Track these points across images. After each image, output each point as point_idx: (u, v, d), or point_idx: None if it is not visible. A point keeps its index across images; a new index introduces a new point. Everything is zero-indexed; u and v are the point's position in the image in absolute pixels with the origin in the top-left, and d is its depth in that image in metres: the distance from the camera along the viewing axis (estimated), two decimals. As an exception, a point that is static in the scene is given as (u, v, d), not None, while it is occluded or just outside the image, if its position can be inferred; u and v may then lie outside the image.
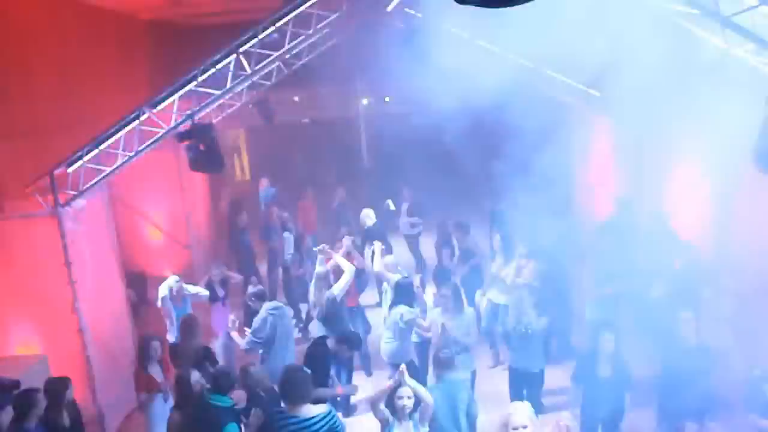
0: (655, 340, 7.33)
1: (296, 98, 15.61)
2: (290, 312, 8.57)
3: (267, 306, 7.92)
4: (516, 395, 7.33)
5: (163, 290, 8.63)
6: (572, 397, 6.75)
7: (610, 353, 6.41)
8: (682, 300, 7.34)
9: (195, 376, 6.42)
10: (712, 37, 6.84)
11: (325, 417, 5.58)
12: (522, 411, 5.08)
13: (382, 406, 5.61)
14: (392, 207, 12.00)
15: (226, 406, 5.88)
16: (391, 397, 5.62)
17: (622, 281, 8.53)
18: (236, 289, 10.61)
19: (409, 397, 5.56)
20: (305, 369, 5.87)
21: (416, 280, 9.55)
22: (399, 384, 5.61)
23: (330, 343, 7.19)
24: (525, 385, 7.48)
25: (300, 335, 10.62)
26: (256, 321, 7.86)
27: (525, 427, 4.95)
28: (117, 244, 9.62)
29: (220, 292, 9.39)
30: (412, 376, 5.87)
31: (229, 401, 5.93)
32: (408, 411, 5.56)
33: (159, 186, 12.46)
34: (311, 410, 5.60)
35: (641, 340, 7.70)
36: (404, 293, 7.94)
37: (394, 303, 8.01)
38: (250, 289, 8.53)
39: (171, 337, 8.50)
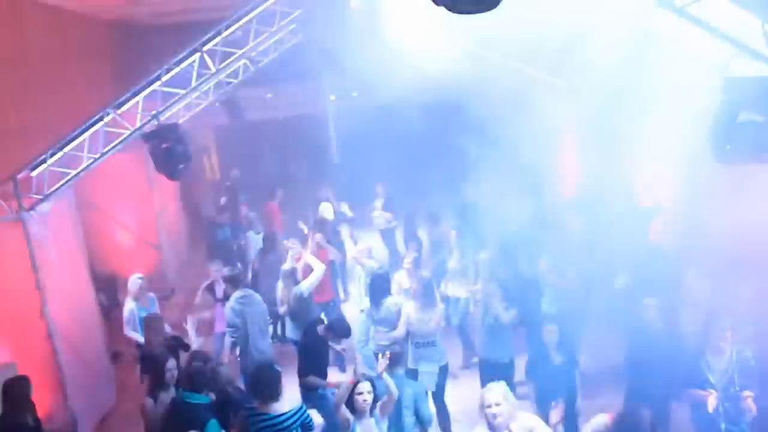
0: (622, 327, 7.46)
1: (269, 95, 15.53)
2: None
3: (235, 295, 7.97)
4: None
5: (128, 306, 8.55)
6: (528, 386, 6.91)
7: (555, 343, 6.75)
8: (648, 285, 7.49)
9: (171, 363, 6.44)
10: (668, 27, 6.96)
11: (296, 413, 5.62)
12: (495, 389, 5.10)
13: (343, 406, 5.63)
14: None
15: (204, 402, 5.88)
16: (351, 394, 5.63)
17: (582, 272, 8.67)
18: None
19: (369, 392, 5.60)
20: (276, 367, 5.88)
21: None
22: (359, 380, 5.66)
23: (320, 330, 7.21)
24: (495, 376, 7.53)
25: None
26: (227, 312, 7.91)
27: (498, 404, 4.97)
28: (85, 247, 9.56)
29: (220, 293, 9.27)
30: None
31: (205, 398, 5.93)
32: (368, 407, 5.61)
33: (127, 187, 12.36)
34: (282, 407, 5.62)
35: (609, 328, 7.84)
36: (380, 285, 7.97)
37: (374, 295, 8.00)
38: (225, 271, 8.50)
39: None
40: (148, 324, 7.64)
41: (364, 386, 5.58)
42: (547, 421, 6.38)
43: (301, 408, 5.69)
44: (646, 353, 6.58)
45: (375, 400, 5.66)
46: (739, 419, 5.92)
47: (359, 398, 5.55)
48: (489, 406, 5.00)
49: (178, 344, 7.43)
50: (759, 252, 6.91)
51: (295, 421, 5.60)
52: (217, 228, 13.14)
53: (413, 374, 7.39)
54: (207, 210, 16.16)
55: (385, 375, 5.80)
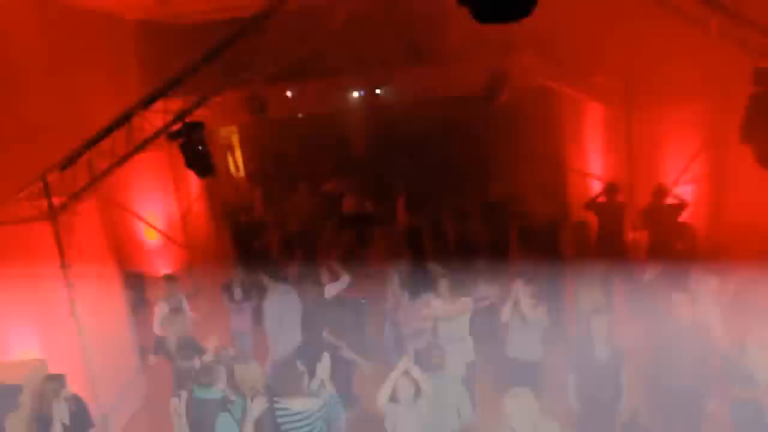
0: (650, 321, 7.37)
1: (289, 93, 15.54)
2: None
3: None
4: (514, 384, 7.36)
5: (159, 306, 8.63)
6: (569, 383, 6.73)
7: (604, 336, 6.41)
8: (676, 281, 7.39)
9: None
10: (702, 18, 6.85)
11: (318, 411, 5.65)
12: (521, 398, 5.07)
13: (385, 397, 5.69)
14: None
15: (215, 398, 5.95)
16: (394, 387, 5.71)
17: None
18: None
19: (412, 384, 5.68)
20: (299, 364, 5.88)
21: None
22: (403, 372, 5.69)
23: None
24: (523, 374, 7.49)
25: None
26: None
27: (522, 414, 4.97)
28: (113, 245, 9.63)
29: (238, 295, 9.35)
30: None
31: (216, 393, 6.00)
32: (410, 398, 5.68)
33: (152, 186, 12.46)
34: (305, 403, 5.64)
35: (636, 322, 7.75)
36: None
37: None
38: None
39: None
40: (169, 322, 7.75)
41: (404, 380, 5.68)
42: (585, 421, 6.32)
43: (323, 406, 5.68)
44: (674, 349, 6.45)
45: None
46: None
47: (402, 391, 5.64)
48: (512, 416, 4.99)
49: (189, 346, 7.45)
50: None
51: (317, 418, 5.63)
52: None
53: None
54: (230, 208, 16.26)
55: (415, 372, 5.78)
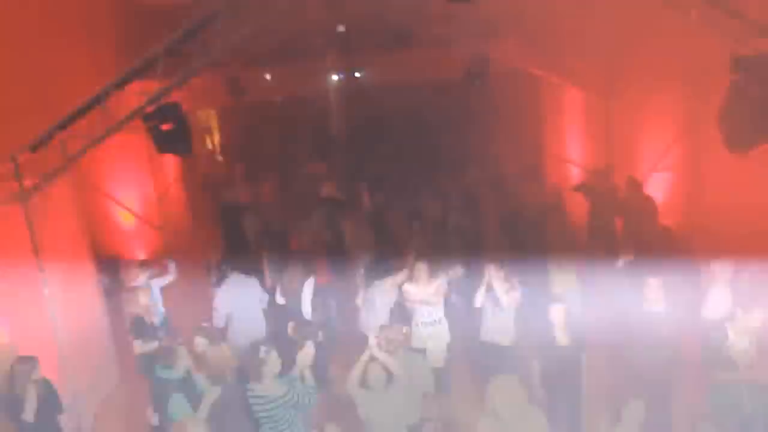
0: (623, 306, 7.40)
1: (267, 76, 15.41)
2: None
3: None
4: (488, 369, 7.37)
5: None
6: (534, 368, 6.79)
7: (563, 324, 6.50)
8: (653, 267, 7.43)
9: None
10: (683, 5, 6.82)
11: (285, 395, 5.64)
12: (505, 386, 5.09)
13: (354, 383, 5.69)
14: None
15: (171, 378, 6.13)
16: (363, 372, 5.72)
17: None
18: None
19: (382, 369, 5.69)
20: (262, 350, 5.86)
21: None
22: (370, 358, 5.69)
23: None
24: (496, 359, 7.49)
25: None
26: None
27: (506, 403, 4.97)
28: (87, 228, 9.50)
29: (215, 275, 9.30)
30: None
31: (174, 374, 6.15)
32: (381, 383, 5.68)
33: (128, 169, 12.27)
34: (271, 388, 5.66)
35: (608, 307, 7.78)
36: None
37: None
38: None
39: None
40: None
41: (375, 366, 5.68)
42: (550, 403, 6.36)
43: (288, 393, 5.67)
44: (646, 334, 6.49)
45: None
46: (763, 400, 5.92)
47: (372, 376, 5.63)
48: (496, 404, 4.99)
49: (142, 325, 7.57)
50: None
51: (282, 404, 5.63)
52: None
53: (422, 354, 7.39)
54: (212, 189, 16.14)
55: (383, 356, 5.76)
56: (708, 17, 6.78)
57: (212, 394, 5.81)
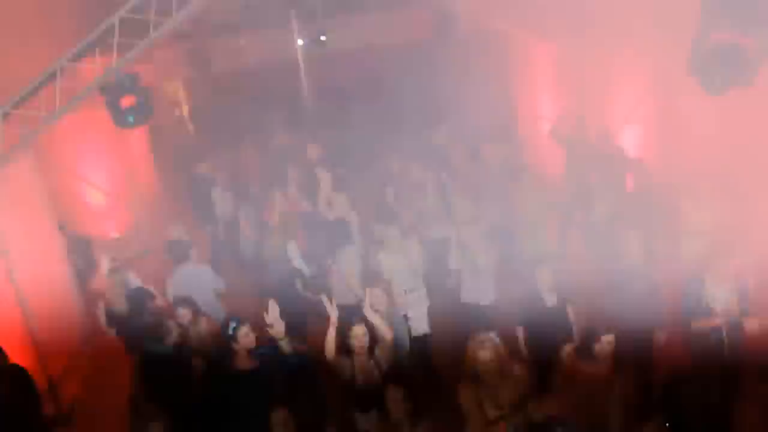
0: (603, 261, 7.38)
1: (232, 46, 15.07)
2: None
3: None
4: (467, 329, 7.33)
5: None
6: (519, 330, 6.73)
7: (549, 285, 6.49)
8: (631, 220, 7.41)
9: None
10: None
11: (259, 371, 5.65)
12: (487, 345, 4.99)
13: (333, 352, 5.55)
14: None
15: (162, 352, 6.14)
16: (344, 339, 5.56)
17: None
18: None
19: (364, 334, 5.52)
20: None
21: None
22: (350, 323, 5.55)
23: None
24: (476, 318, 7.43)
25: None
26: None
27: (490, 360, 4.92)
28: (54, 209, 9.28)
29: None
30: None
31: (163, 348, 6.16)
32: (364, 350, 5.53)
33: (94, 146, 11.98)
34: (246, 364, 5.66)
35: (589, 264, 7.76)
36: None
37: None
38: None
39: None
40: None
41: (357, 330, 5.52)
42: (539, 365, 6.31)
43: (262, 368, 5.64)
44: (626, 285, 6.45)
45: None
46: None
47: (353, 342, 5.51)
48: (480, 363, 4.92)
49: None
50: (751, 177, 6.84)
51: (258, 379, 5.61)
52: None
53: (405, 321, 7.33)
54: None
55: (373, 316, 5.65)
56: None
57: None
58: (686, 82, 6.39)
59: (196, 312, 6.94)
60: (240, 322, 5.73)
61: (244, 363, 5.67)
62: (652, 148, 10.03)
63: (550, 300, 6.53)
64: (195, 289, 7.61)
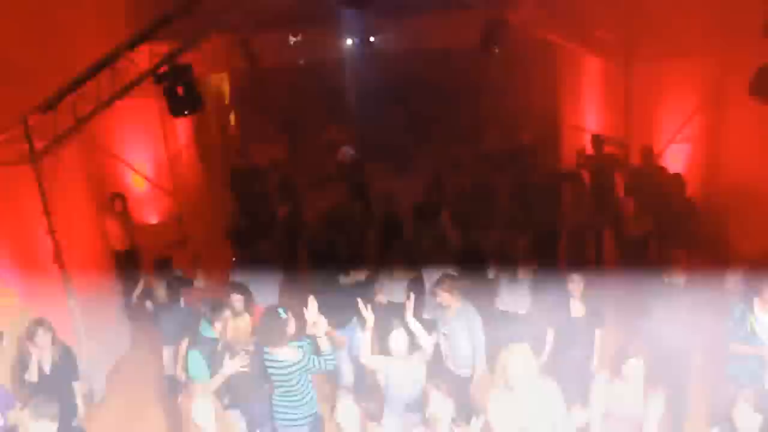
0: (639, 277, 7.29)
1: (281, 41, 15.20)
2: None
3: None
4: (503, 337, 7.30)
5: None
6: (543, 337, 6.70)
7: (580, 294, 6.47)
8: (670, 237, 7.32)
9: None
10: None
11: (299, 362, 5.57)
12: (519, 353, 4.95)
13: (369, 354, 5.59)
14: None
15: (204, 336, 6.08)
16: (384, 341, 5.63)
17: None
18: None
19: (402, 340, 5.56)
20: (281, 313, 5.74)
21: None
22: (391, 325, 5.59)
23: None
24: (510, 327, 7.40)
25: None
26: None
27: (520, 370, 4.86)
28: (97, 192, 9.45)
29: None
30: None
31: (210, 332, 6.07)
32: (403, 353, 5.57)
33: (139, 132, 12.17)
34: (286, 353, 5.57)
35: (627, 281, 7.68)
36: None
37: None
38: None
39: None
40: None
41: (398, 334, 5.56)
42: (560, 373, 6.26)
43: (303, 358, 5.59)
44: (664, 305, 6.36)
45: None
46: None
47: (392, 345, 5.55)
48: (511, 371, 4.86)
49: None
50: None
51: (299, 369, 5.56)
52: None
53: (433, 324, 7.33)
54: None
55: (414, 322, 5.70)
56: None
57: (229, 367, 5.71)
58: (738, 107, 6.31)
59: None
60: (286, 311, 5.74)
61: (287, 354, 5.64)
62: (699, 167, 9.90)
63: (579, 311, 6.54)
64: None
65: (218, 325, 6.07)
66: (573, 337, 6.52)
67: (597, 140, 10.95)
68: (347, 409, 4.81)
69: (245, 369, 5.74)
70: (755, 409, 4.48)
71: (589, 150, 11.18)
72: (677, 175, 9.41)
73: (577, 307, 6.54)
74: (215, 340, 6.05)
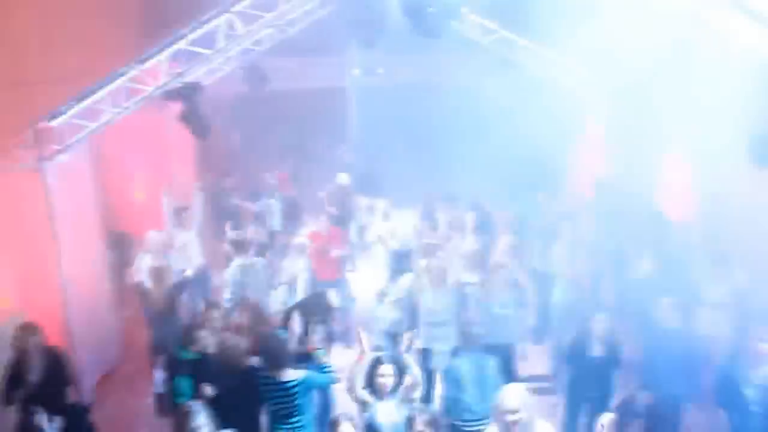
0: (637, 321, 7.33)
1: (293, 66, 15.39)
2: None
3: (236, 262, 8.15)
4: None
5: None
6: (559, 377, 6.68)
7: (602, 334, 6.41)
8: (668, 281, 7.35)
9: None
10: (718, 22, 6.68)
11: (301, 383, 5.61)
12: (514, 393, 4.86)
13: (359, 387, 5.52)
14: None
15: (184, 358, 6.15)
16: (371, 374, 5.53)
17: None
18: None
19: (390, 375, 5.48)
20: (282, 335, 5.80)
21: None
22: (379, 360, 5.54)
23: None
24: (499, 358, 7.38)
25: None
26: (226, 278, 8.04)
27: (517, 411, 4.73)
28: (101, 201, 9.52)
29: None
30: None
31: (188, 354, 6.16)
32: (389, 389, 5.47)
33: (145, 146, 12.24)
34: (288, 374, 5.61)
35: (623, 322, 7.72)
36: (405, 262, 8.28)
37: (396, 271, 8.19)
38: (231, 235, 8.57)
39: None
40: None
41: (386, 369, 5.48)
42: (572, 416, 6.26)
43: (305, 379, 5.63)
44: (662, 352, 6.36)
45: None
46: None
47: (380, 380, 5.44)
48: (507, 413, 4.76)
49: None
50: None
51: (300, 390, 5.60)
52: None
53: (425, 354, 7.36)
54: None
55: (406, 356, 5.70)
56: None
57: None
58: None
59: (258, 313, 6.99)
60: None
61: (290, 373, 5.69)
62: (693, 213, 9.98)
63: (597, 349, 6.47)
64: (255, 277, 8.04)
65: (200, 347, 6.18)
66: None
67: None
68: None
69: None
70: None
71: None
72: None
73: None
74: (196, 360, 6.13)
